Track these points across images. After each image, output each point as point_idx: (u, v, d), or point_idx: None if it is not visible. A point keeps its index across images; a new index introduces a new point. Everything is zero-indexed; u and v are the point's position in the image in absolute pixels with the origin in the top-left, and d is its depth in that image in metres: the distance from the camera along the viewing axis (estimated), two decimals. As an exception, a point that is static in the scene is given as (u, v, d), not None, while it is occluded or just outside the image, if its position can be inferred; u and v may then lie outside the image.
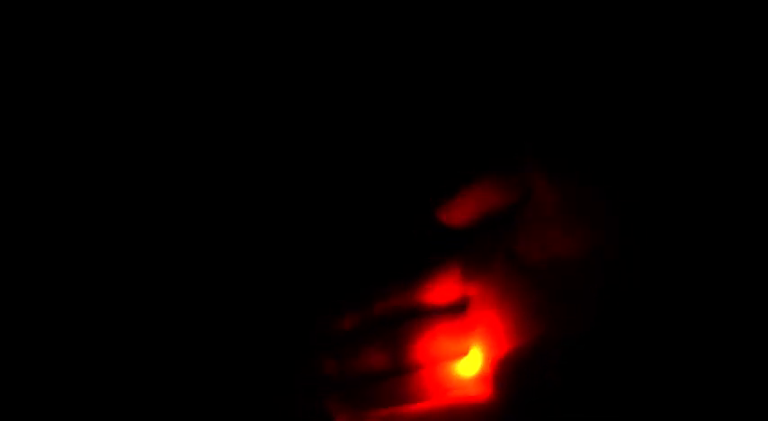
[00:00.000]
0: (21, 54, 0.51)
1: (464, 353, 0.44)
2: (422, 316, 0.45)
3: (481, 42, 0.50)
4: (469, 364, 0.44)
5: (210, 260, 0.52)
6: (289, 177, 0.52)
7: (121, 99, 0.52)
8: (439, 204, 0.45)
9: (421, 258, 0.46)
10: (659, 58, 0.39)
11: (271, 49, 0.52)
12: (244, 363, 0.49)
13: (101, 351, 0.50)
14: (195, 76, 0.52)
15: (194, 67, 0.52)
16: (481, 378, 0.43)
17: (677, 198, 0.37)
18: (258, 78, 0.52)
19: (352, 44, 0.51)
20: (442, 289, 0.45)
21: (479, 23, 0.50)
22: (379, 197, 0.51)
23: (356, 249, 0.51)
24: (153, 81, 0.52)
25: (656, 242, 0.38)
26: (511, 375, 0.40)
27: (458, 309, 0.45)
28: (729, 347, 0.38)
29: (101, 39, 0.52)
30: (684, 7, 0.38)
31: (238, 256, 0.52)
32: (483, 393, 0.41)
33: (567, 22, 0.43)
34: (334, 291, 0.48)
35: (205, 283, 0.51)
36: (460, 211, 0.44)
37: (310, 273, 0.51)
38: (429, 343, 0.44)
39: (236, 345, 0.50)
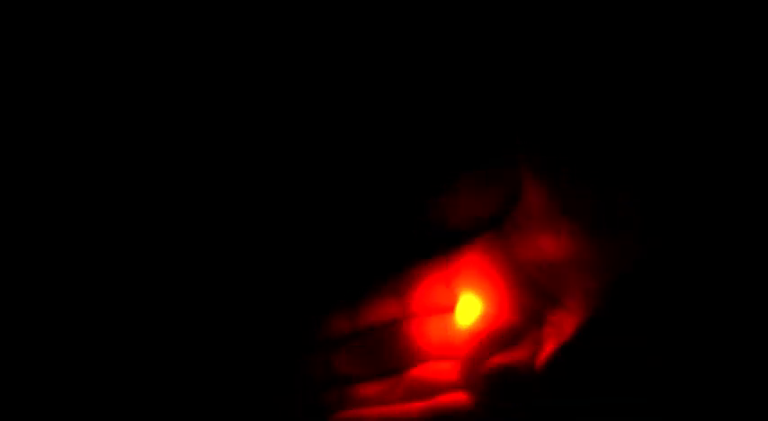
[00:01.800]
0: (21, 54, 0.51)
1: (454, 353, 0.44)
2: (413, 316, 0.45)
3: (471, 43, 0.50)
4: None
5: (206, 260, 0.52)
6: (281, 178, 0.52)
7: (121, 99, 0.52)
8: (430, 204, 0.45)
9: (412, 258, 0.46)
10: (647, 58, 0.39)
11: (267, 47, 0.52)
12: (239, 363, 0.49)
13: (100, 351, 0.50)
14: (195, 75, 0.52)
15: (194, 66, 0.52)
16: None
17: (667, 197, 0.37)
18: (253, 76, 0.52)
19: (342, 40, 0.51)
20: (433, 289, 0.45)
21: (468, 24, 0.50)
22: (370, 197, 0.51)
23: (348, 249, 0.51)
24: (153, 81, 0.52)
25: (646, 241, 0.38)
26: (498, 379, 0.40)
27: (448, 309, 0.45)
28: (726, 348, 0.38)
29: (101, 39, 0.52)
30: (670, 6, 0.38)
31: (232, 256, 0.52)
32: (470, 397, 0.41)
33: (555, 23, 0.43)
34: (327, 292, 0.48)
35: (201, 283, 0.51)
36: (451, 212, 0.44)
37: (303, 274, 0.51)
38: (419, 343, 0.44)
39: (231, 345, 0.50)
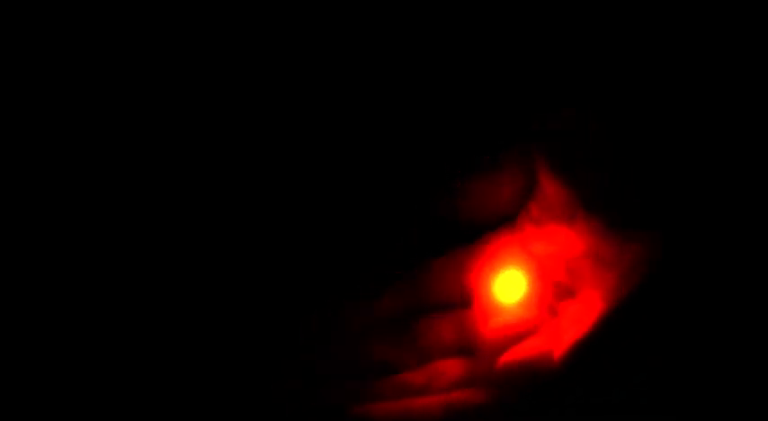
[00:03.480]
0: (21, 54, 0.51)
1: (469, 346, 0.43)
2: (428, 310, 0.45)
3: (489, 38, 0.49)
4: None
5: (210, 258, 0.52)
6: (289, 175, 0.52)
7: (121, 99, 0.52)
8: (446, 198, 0.45)
9: (428, 253, 0.46)
10: (664, 56, 0.39)
11: (268, 47, 0.52)
12: (244, 360, 0.49)
13: (97, 349, 0.50)
14: (194, 75, 0.52)
15: (193, 66, 0.52)
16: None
17: (683, 194, 0.37)
18: (256, 77, 0.52)
19: (351, 39, 0.51)
20: (450, 284, 0.45)
21: (487, 18, 0.49)
22: (384, 192, 0.51)
23: (361, 244, 0.51)
24: (153, 81, 0.52)
25: (661, 237, 0.38)
26: (514, 374, 0.40)
27: (464, 302, 0.45)
28: (732, 349, 0.38)
29: (101, 38, 0.52)
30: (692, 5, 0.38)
31: (237, 254, 0.52)
32: (486, 392, 0.41)
33: (574, 19, 0.43)
34: (341, 286, 0.48)
35: (205, 281, 0.51)
36: (467, 205, 0.44)
37: (315, 269, 0.51)
38: (436, 338, 0.44)
39: (236, 342, 0.50)
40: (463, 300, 0.45)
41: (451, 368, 0.43)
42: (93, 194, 0.52)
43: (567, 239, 0.40)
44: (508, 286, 0.43)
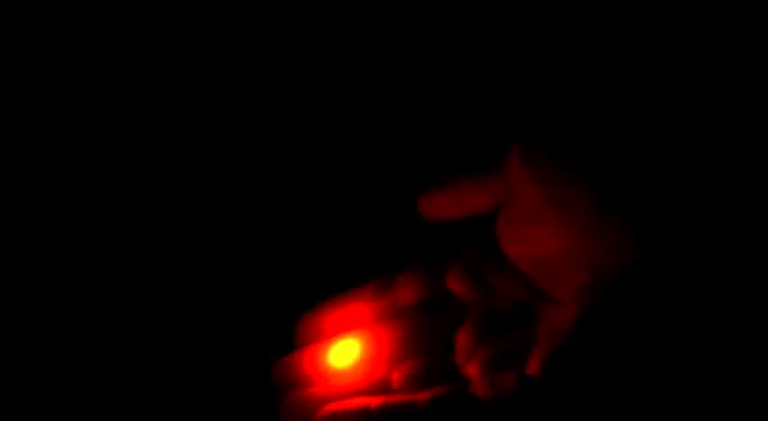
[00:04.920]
0: (21, 54, 0.51)
1: (443, 348, 0.44)
2: (407, 311, 0.45)
3: (464, 42, 0.50)
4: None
5: (197, 258, 0.52)
6: (272, 177, 0.52)
7: (121, 99, 0.52)
8: (422, 202, 0.45)
9: (402, 256, 0.46)
10: (640, 58, 0.39)
11: (267, 47, 0.52)
12: (227, 361, 0.49)
13: (94, 348, 0.50)
14: (195, 75, 0.52)
15: (194, 66, 0.52)
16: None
17: (661, 197, 0.37)
18: (253, 76, 0.52)
19: (337, 39, 0.52)
20: (426, 285, 0.45)
21: (462, 24, 0.50)
22: (361, 195, 0.51)
23: (336, 247, 0.51)
24: (153, 81, 0.52)
25: (639, 240, 0.38)
26: (490, 373, 0.40)
27: (439, 306, 0.45)
28: (710, 347, 0.38)
29: (101, 38, 0.52)
30: (663, 6, 0.39)
31: (223, 256, 0.52)
32: (464, 390, 0.41)
33: (549, 22, 0.43)
34: (315, 290, 0.48)
35: (193, 281, 0.51)
36: (444, 209, 0.45)
37: (290, 272, 0.51)
38: (415, 338, 0.44)
39: (222, 343, 0.50)
40: (437, 304, 0.45)
41: (427, 368, 0.43)
42: (93, 194, 0.52)
43: (543, 242, 0.40)
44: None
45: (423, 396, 0.41)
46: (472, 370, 0.41)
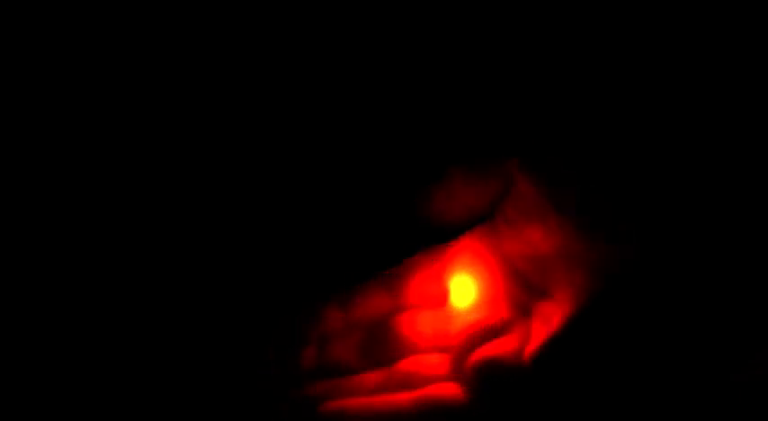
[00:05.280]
0: (21, 54, 0.51)
1: (444, 344, 0.44)
2: (404, 309, 0.45)
3: (462, 42, 0.50)
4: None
5: (196, 256, 0.52)
6: (270, 176, 0.52)
7: (121, 99, 0.52)
8: (421, 198, 0.45)
9: (403, 251, 0.46)
10: (638, 59, 0.39)
11: (267, 47, 0.52)
12: (230, 357, 0.49)
13: (94, 348, 0.50)
14: (195, 75, 0.52)
15: (194, 66, 0.52)
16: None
17: (658, 196, 0.38)
18: (252, 76, 0.52)
19: (335, 39, 0.52)
20: (424, 282, 0.45)
21: (460, 23, 0.50)
22: (361, 191, 0.51)
23: (340, 243, 0.51)
24: (153, 81, 0.52)
25: (636, 238, 0.38)
26: (485, 371, 0.40)
27: (438, 303, 0.45)
28: (703, 346, 0.38)
29: (101, 38, 0.52)
30: (660, 7, 0.39)
31: (224, 252, 0.52)
32: (459, 388, 0.41)
33: (547, 22, 0.43)
34: (320, 285, 0.48)
35: (192, 279, 0.51)
36: (443, 207, 0.45)
37: (296, 268, 0.51)
38: (411, 336, 0.44)
39: (223, 340, 0.50)
40: (437, 300, 0.45)
41: (425, 366, 0.43)
42: (93, 194, 0.52)
43: (540, 239, 0.40)
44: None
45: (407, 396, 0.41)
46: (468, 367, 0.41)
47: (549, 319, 0.40)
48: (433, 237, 0.46)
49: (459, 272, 0.44)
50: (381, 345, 0.45)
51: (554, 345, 0.39)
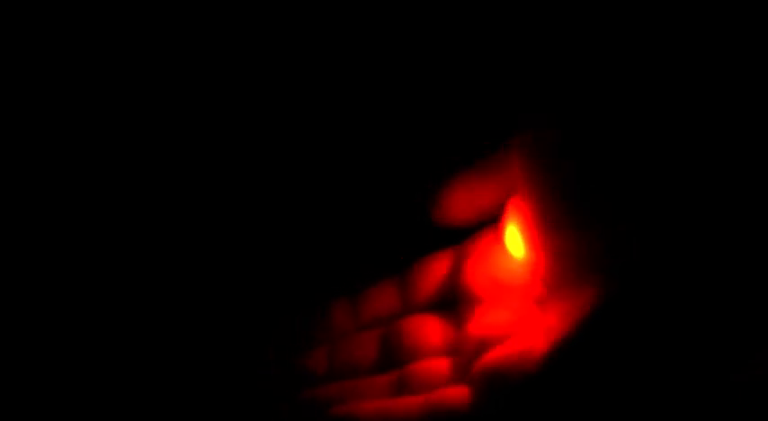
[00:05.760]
0: (21, 54, 0.51)
1: (454, 346, 0.44)
2: (414, 311, 0.45)
3: (466, 41, 0.50)
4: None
5: (202, 256, 0.52)
6: (277, 176, 0.52)
7: (121, 99, 0.52)
8: (430, 202, 0.45)
9: (413, 253, 0.46)
10: (639, 58, 0.39)
11: (266, 47, 0.52)
12: (238, 358, 0.49)
13: (94, 348, 0.50)
14: (195, 75, 0.52)
15: (194, 66, 0.52)
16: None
17: (664, 196, 0.37)
18: (253, 76, 0.52)
19: (337, 39, 0.52)
20: (434, 284, 0.45)
21: (464, 23, 0.50)
22: (370, 192, 0.52)
23: (349, 244, 0.51)
24: (153, 81, 0.52)
25: (644, 240, 0.38)
26: (494, 374, 0.40)
27: (449, 305, 0.45)
28: (716, 353, 0.38)
29: (100, 38, 0.52)
30: (663, 7, 0.39)
31: (233, 251, 0.52)
32: (468, 392, 0.41)
33: (550, 22, 0.43)
34: (329, 287, 0.48)
35: (198, 279, 0.51)
36: (451, 209, 0.45)
37: (304, 269, 0.51)
38: (420, 338, 0.44)
39: (231, 340, 0.50)
40: (449, 300, 0.45)
41: (437, 368, 0.43)
42: (93, 194, 0.52)
43: (548, 239, 0.40)
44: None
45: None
46: (475, 367, 0.41)
47: (561, 321, 0.39)
48: (444, 238, 0.46)
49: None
50: (391, 347, 0.45)
51: (563, 349, 0.38)
